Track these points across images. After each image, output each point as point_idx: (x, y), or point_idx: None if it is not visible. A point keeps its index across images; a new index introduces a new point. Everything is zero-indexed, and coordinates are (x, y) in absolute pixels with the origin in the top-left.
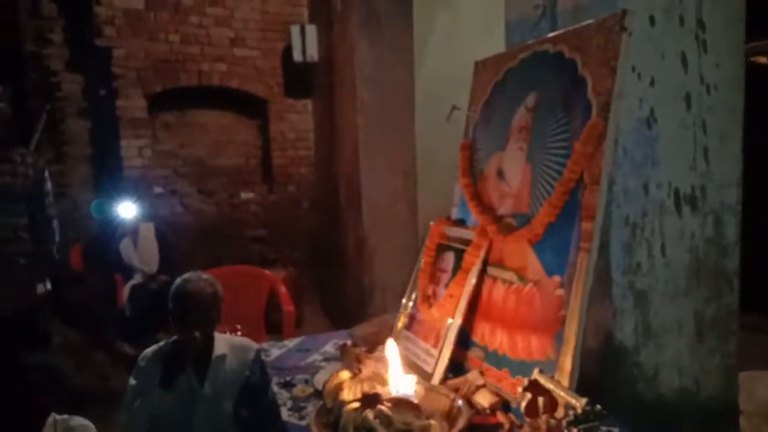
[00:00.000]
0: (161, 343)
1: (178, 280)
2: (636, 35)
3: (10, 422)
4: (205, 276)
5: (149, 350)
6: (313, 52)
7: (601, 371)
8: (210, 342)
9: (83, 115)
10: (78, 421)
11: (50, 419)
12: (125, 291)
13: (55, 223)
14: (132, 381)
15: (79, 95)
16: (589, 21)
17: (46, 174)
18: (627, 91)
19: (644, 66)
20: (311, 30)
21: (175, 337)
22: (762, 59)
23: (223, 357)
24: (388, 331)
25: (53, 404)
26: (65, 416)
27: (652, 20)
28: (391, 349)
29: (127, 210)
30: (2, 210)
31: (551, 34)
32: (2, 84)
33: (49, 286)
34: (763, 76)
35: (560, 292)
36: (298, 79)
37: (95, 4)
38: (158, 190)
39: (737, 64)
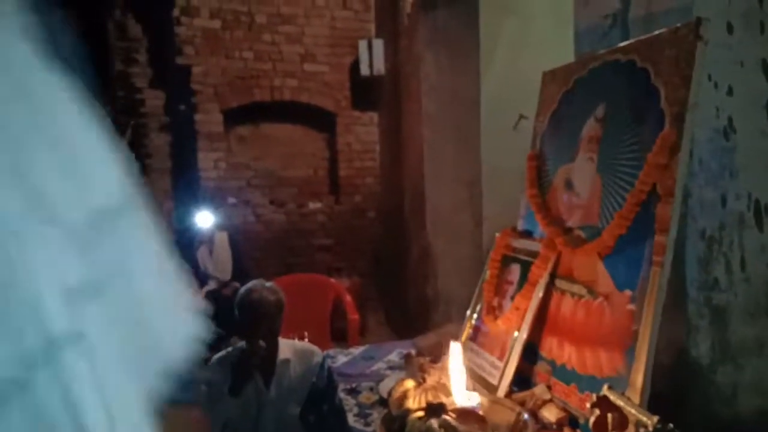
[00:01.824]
0: (228, 350)
1: (243, 290)
2: (712, 43)
3: None
4: (268, 284)
5: (218, 356)
6: (380, 66)
7: (675, 389)
8: (275, 348)
9: (164, 130)
10: None
11: None
12: (200, 297)
13: None
14: (203, 387)
15: (161, 111)
16: (662, 30)
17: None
18: (703, 101)
19: (721, 74)
20: (378, 44)
21: (241, 344)
22: None
23: (287, 361)
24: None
25: None
26: None
27: (729, 27)
28: (455, 353)
29: (203, 219)
30: None
31: (622, 44)
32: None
33: None
34: None
35: (631, 306)
36: (365, 92)
37: (176, 25)
38: (232, 200)
39: None
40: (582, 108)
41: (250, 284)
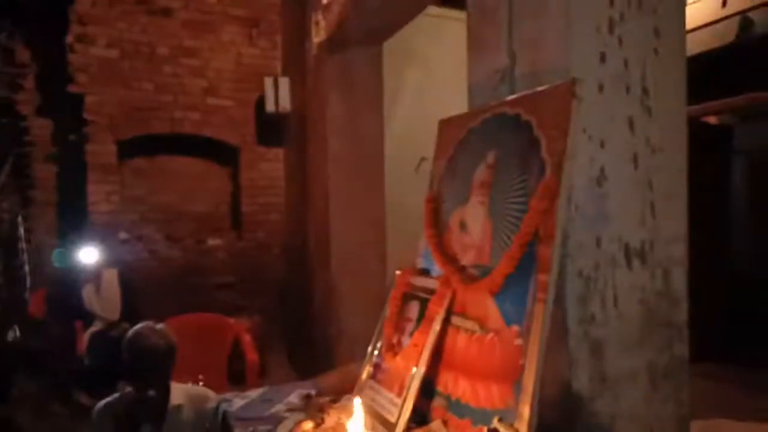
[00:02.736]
0: (115, 396)
1: (131, 334)
2: (587, 101)
3: None
4: (157, 327)
5: (102, 404)
6: (285, 103)
7: (559, 419)
8: (166, 394)
9: (51, 160)
10: None
11: None
12: (85, 338)
13: (27, 268)
14: None
15: (48, 140)
16: (544, 87)
17: (20, 219)
18: (579, 152)
19: (594, 128)
20: (284, 82)
21: (128, 389)
22: (712, 119)
23: (179, 407)
24: (354, 379)
25: None
26: None
27: (600, 88)
28: (357, 408)
29: (89, 255)
30: None
31: (509, 98)
32: None
33: (17, 333)
34: (714, 135)
35: (519, 341)
36: (271, 128)
37: (70, 52)
38: (124, 235)
39: (680, 127)
40: (475, 155)
41: (138, 328)
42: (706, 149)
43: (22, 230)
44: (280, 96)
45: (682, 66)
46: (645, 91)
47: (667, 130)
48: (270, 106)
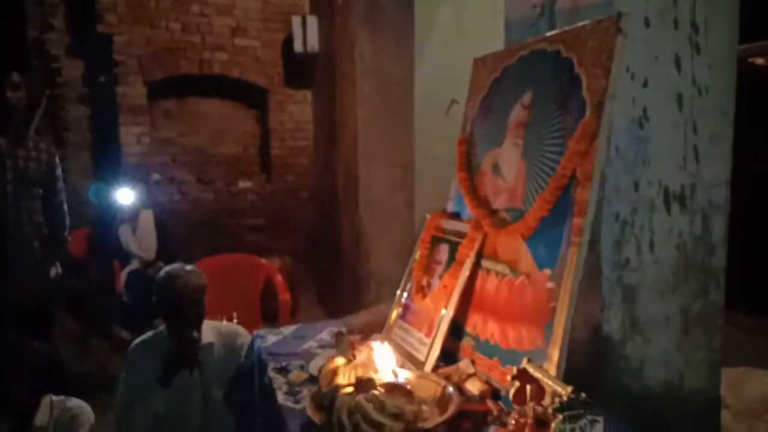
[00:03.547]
0: (150, 334)
1: (163, 275)
2: (630, 37)
3: (8, 405)
4: (189, 268)
5: (138, 342)
6: (314, 43)
7: (589, 363)
8: (198, 332)
9: (83, 102)
10: (74, 402)
11: (46, 400)
12: (122, 277)
13: (66, 208)
14: (125, 376)
15: (79, 81)
16: (586, 22)
17: (57, 159)
18: (621, 91)
19: (638, 67)
20: (312, 21)
21: (162, 327)
22: (759, 60)
23: (210, 345)
24: (383, 320)
25: (52, 389)
26: (61, 397)
27: (647, 22)
28: (384, 346)
29: (125, 196)
30: (20, 194)
31: (549, 34)
32: (14, 72)
33: (60, 270)
34: (760, 77)
35: (551, 285)
36: (299, 69)
37: None
38: (156, 177)
39: (730, 67)
40: (510, 95)
41: (170, 269)
42: (754, 91)
43: (59, 171)
44: (308, 36)
45: (735, 0)
46: (694, 26)
47: (715, 69)
48: (298, 46)
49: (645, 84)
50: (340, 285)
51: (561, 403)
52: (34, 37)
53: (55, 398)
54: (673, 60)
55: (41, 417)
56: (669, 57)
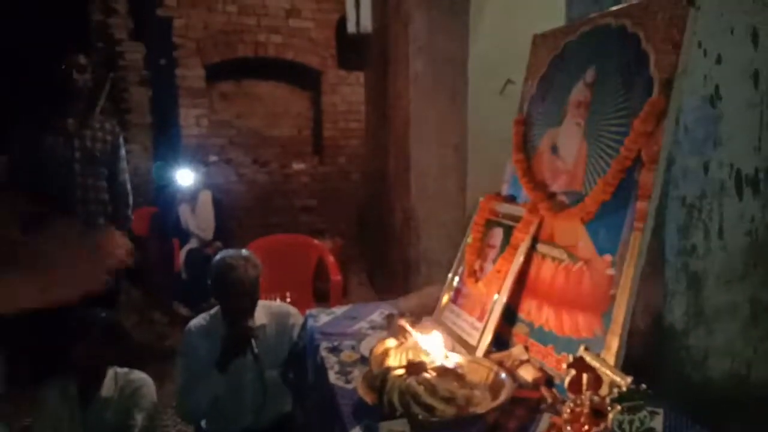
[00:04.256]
0: (206, 318)
1: (220, 261)
2: (703, 10)
3: (74, 369)
4: (244, 254)
5: (194, 326)
6: (367, 24)
7: (649, 352)
8: (252, 317)
9: (145, 84)
10: (137, 374)
11: (111, 372)
12: (182, 255)
13: (129, 187)
14: (183, 360)
15: (141, 64)
16: None
17: (122, 140)
18: (691, 68)
19: (711, 42)
20: (366, 1)
21: (217, 309)
22: None
23: (263, 326)
24: (433, 303)
25: (114, 358)
26: (125, 369)
27: None
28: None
29: (185, 177)
30: (86, 173)
31: (614, 8)
32: (80, 54)
33: None
34: None
35: (611, 271)
36: (352, 50)
37: None
38: (214, 158)
39: None
40: (571, 72)
41: (227, 257)
42: None
43: (123, 151)
44: (361, 16)
45: None
46: None
47: None
48: (351, 27)
49: (718, 60)
50: (390, 266)
51: (619, 393)
52: (98, 21)
53: (119, 370)
54: (749, 34)
55: (106, 389)
56: (745, 31)
